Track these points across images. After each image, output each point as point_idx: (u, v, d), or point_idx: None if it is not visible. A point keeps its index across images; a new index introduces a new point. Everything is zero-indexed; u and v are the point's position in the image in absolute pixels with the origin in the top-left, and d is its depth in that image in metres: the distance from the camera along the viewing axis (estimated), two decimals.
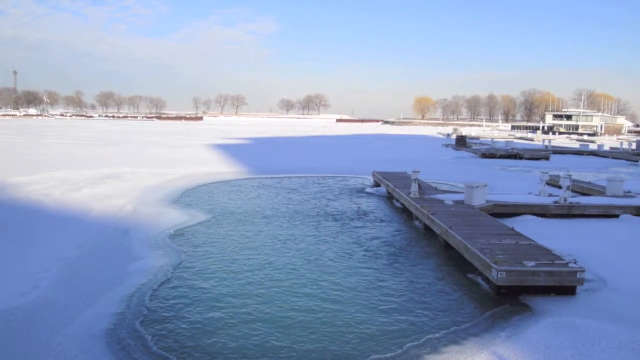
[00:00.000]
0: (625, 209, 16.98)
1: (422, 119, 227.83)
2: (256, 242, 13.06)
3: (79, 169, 25.18)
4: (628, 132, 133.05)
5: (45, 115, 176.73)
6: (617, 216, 16.71)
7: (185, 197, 19.43)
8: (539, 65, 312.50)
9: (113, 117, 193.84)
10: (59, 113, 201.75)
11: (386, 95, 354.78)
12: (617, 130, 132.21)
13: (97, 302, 8.55)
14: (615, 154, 48.48)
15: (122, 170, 25.09)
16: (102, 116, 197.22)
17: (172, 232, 13.75)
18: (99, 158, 31.78)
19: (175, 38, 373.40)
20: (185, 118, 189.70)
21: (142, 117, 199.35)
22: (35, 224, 13.89)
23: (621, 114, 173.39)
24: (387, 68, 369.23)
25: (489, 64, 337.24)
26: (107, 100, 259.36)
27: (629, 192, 19.59)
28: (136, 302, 8.69)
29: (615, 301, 8.97)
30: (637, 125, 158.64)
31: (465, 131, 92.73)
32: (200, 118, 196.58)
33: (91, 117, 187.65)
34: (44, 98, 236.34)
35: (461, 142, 54.60)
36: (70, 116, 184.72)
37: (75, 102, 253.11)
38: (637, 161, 43.08)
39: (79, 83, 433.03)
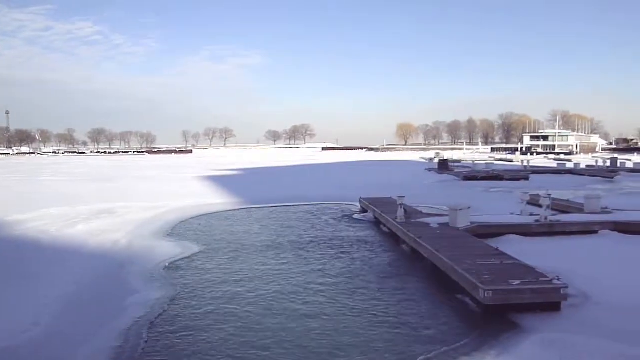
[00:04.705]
0: (603, 225, 17.46)
1: (405, 144, 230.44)
2: (249, 273, 13.20)
3: (74, 205, 25.06)
4: (602, 150, 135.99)
5: (38, 153, 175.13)
6: (596, 232, 17.15)
7: (179, 230, 19.55)
8: (515, 90, 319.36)
9: (105, 153, 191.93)
10: (51, 150, 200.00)
11: (369, 123, 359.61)
12: (591, 149, 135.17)
13: (96, 336, 8.63)
14: (591, 172, 49.44)
15: (116, 205, 25.03)
16: (94, 152, 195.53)
17: (167, 264, 13.86)
18: (92, 194, 31.62)
19: (165, 74, 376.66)
20: (175, 152, 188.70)
21: (134, 152, 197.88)
22: (32, 260, 13.92)
23: (595, 133, 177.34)
24: (369, 97, 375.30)
25: (467, 90, 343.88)
26: (98, 136, 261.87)
27: (606, 208, 20.08)
28: (134, 335, 8.77)
29: (599, 315, 9.26)
30: (611, 143, 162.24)
31: (447, 155, 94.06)
32: (190, 151, 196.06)
33: (83, 153, 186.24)
34: (37, 136, 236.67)
35: (443, 165, 55.22)
36: (62, 153, 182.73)
37: (67, 140, 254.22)
38: (612, 178, 43.98)
39: (70, 121, 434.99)
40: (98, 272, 12.83)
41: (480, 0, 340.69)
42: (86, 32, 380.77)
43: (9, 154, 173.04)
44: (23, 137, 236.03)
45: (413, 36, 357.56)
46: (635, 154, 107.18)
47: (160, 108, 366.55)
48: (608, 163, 59.16)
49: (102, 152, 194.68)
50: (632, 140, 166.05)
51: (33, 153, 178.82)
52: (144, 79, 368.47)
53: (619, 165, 57.80)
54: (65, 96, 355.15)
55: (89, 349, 8.14)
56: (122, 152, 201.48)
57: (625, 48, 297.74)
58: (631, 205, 22.05)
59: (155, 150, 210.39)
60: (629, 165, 58.36)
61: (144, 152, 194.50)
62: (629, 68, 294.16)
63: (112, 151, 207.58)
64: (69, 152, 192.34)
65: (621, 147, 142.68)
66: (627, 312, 9.40)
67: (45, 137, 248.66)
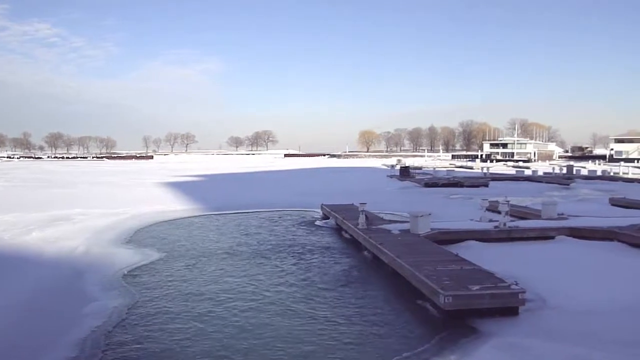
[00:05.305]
0: (560, 231, 17.96)
1: (367, 151, 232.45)
2: (209, 280, 13.04)
3: (29, 211, 24.18)
4: (559, 158, 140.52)
5: None
6: (552, 237, 17.60)
7: (138, 237, 19.15)
8: (475, 98, 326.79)
9: (62, 158, 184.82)
10: (5, 155, 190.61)
11: (332, 129, 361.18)
12: (549, 156, 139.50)
13: (52, 346, 8.35)
14: (548, 179, 50.76)
15: (73, 212, 24.27)
16: (51, 157, 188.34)
17: (125, 272, 13.56)
18: (49, 200, 30.53)
19: (126, 78, 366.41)
20: (135, 157, 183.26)
21: (92, 157, 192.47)
22: None
23: (552, 141, 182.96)
24: (332, 104, 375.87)
25: (428, 98, 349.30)
26: (56, 141, 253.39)
27: (563, 214, 20.64)
28: (91, 345, 8.54)
29: (554, 319, 9.51)
30: (567, 151, 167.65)
31: (408, 162, 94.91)
32: (151, 157, 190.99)
33: (40, 158, 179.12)
34: None
35: (405, 172, 55.60)
36: (17, 158, 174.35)
37: (23, 144, 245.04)
38: (568, 185, 45.29)
39: (26, 124, 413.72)
40: (54, 280, 12.43)
41: (441, 7, 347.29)
42: (45, 34, 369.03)
43: None
44: None
45: (375, 43, 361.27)
46: (590, 161, 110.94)
47: (120, 112, 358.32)
48: (564, 170, 61.00)
49: (59, 157, 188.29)
50: (587, 148, 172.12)
51: None
52: (104, 82, 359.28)
53: (574, 172, 59.72)
54: (21, 99, 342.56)
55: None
56: (81, 157, 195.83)
57: (583, 58, 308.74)
58: (586, 212, 22.79)
59: (115, 155, 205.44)
60: (584, 172, 60.42)
61: (103, 157, 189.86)
62: (585, 78, 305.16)
63: (70, 156, 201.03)
64: (25, 157, 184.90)
65: (577, 155, 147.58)
66: (581, 315, 9.69)
67: None
